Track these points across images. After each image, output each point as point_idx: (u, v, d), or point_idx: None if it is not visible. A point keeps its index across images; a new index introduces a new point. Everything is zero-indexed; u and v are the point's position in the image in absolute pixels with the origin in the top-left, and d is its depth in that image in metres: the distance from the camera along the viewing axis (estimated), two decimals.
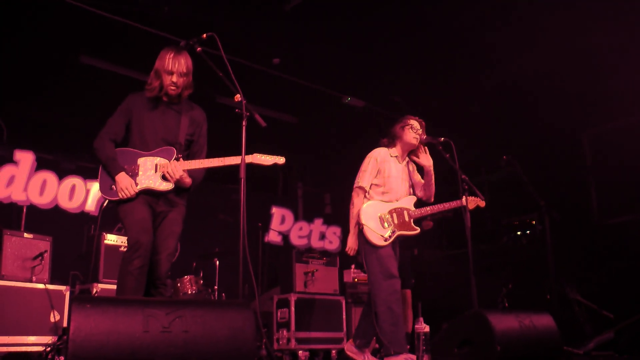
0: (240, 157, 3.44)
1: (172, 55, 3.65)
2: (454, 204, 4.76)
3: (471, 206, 4.77)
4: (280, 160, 3.73)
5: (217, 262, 6.81)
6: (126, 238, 3.75)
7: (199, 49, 3.55)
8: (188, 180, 3.73)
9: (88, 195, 6.81)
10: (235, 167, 3.48)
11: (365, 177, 4.64)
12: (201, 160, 3.72)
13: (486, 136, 8.30)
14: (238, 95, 3.43)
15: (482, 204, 4.94)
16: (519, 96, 7.43)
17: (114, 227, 6.17)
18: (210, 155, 3.79)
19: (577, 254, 7.16)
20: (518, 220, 8.00)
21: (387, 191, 4.64)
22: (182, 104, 3.82)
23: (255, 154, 3.67)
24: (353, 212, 4.61)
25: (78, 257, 6.38)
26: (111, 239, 6.05)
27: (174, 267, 3.88)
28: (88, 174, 6.74)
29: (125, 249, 3.55)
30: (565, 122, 7.55)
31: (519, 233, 7.95)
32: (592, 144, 7.84)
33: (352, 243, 4.60)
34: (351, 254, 4.62)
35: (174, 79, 3.66)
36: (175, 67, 3.64)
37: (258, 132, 3.57)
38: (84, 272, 6.13)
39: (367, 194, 4.64)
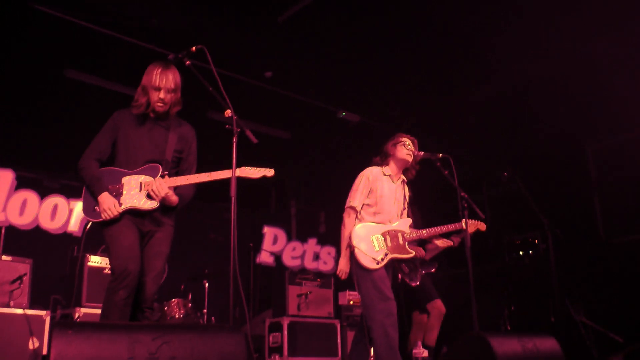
0: (228, 170, 3.46)
1: (159, 70, 3.66)
2: (452, 227, 4.80)
3: (471, 230, 4.81)
4: (269, 172, 3.74)
5: (207, 284, 6.79)
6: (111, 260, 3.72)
7: (188, 62, 3.57)
8: (174, 199, 3.72)
9: (71, 215, 6.78)
10: (227, 185, 3.48)
11: (356, 196, 4.66)
12: (186, 177, 3.72)
13: (486, 150, 8.33)
14: (228, 111, 3.45)
15: (483, 227, 4.97)
16: (520, 107, 7.46)
17: (98, 248, 6.15)
18: (200, 172, 3.79)
19: (582, 273, 7.16)
20: (520, 238, 8.02)
21: (379, 211, 4.66)
22: (171, 120, 3.83)
23: (242, 167, 3.67)
24: (344, 233, 4.62)
25: (60, 280, 6.34)
26: (95, 260, 6.03)
27: (161, 290, 3.86)
28: (72, 193, 6.71)
29: (111, 277, 3.49)
30: (569, 134, 7.57)
31: (521, 252, 7.96)
32: (597, 157, 7.84)
33: (343, 266, 4.60)
34: (342, 277, 4.62)
35: (162, 95, 3.67)
36: (162, 83, 3.65)
37: (250, 149, 3.59)
38: (65, 296, 6.09)
39: (358, 214, 4.67)
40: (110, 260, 3.55)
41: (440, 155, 4.59)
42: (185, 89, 3.80)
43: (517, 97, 7.29)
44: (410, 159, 4.77)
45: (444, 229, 4.82)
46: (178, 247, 3.99)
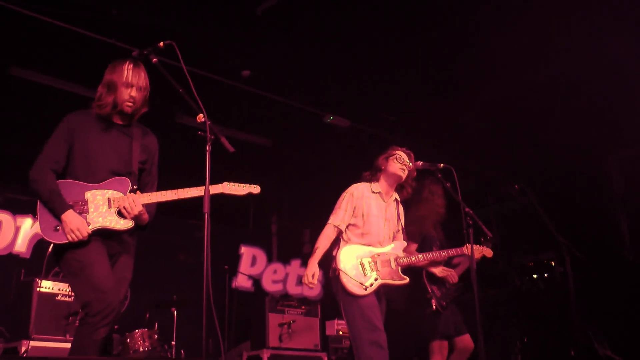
0: (210, 186, 3.48)
1: (130, 66, 3.71)
2: (452, 252, 4.90)
3: (475, 255, 4.89)
4: (255, 189, 3.83)
5: (175, 313, 6.80)
6: (73, 290, 3.66)
7: (154, 59, 3.59)
8: (147, 217, 3.75)
9: (18, 233, 6.76)
10: (198, 199, 3.52)
11: (338, 214, 4.76)
12: (163, 192, 3.74)
13: (493, 160, 8.40)
14: (201, 115, 3.48)
15: (489, 253, 5.07)
16: (533, 112, 7.53)
17: (50, 271, 6.13)
18: (168, 185, 3.82)
19: (606, 300, 7.20)
20: (534, 260, 8.09)
21: (367, 232, 4.74)
22: (133, 126, 3.86)
23: (225, 183, 3.75)
24: (317, 243, 4.69)
25: (3, 308, 6.32)
26: (46, 286, 6.01)
27: (123, 319, 3.89)
28: (19, 208, 6.70)
29: (86, 311, 3.41)
30: (590, 142, 7.65)
31: (535, 276, 8.03)
32: (623, 168, 7.92)
33: (309, 269, 4.60)
34: (304, 281, 4.60)
35: (133, 93, 3.71)
36: (135, 80, 3.70)
37: (226, 158, 3.63)
38: (10, 326, 6.06)
39: (343, 234, 4.74)
40: (79, 289, 3.51)
41: (442, 165, 4.64)
42: (151, 90, 3.83)
43: (528, 100, 7.35)
44: (403, 174, 4.86)
45: (444, 254, 4.90)
46: (142, 270, 4.01)
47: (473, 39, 6.43)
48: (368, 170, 5.00)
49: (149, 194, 3.73)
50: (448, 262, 5.95)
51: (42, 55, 6.46)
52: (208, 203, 3.35)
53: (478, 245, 5.00)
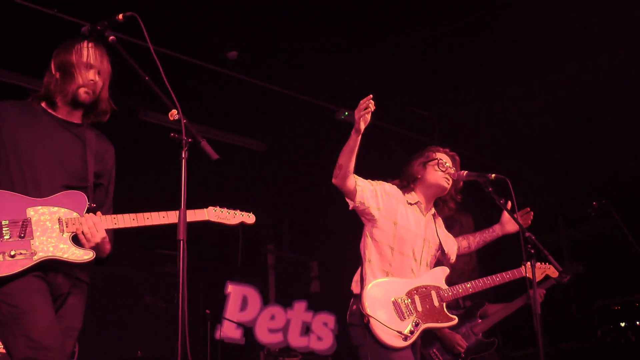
0: (190, 211, 3.48)
1: (91, 45, 3.78)
2: (508, 277, 4.89)
3: (538, 277, 4.89)
4: (250, 218, 3.89)
5: None
6: (3, 344, 3.48)
7: (112, 37, 3.60)
8: (109, 247, 3.75)
9: None
10: (171, 224, 3.53)
11: (365, 184, 4.69)
12: (133, 215, 3.74)
13: (564, 171, 8.38)
14: (174, 111, 3.48)
15: (554, 272, 5.05)
16: (614, 110, 7.55)
17: None
18: (131, 203, 3.83)
19: None
20: (621, 302, 8.06)
21: (398, 251, 4.68)
22: (85, 127, 3.88)
23: (210, 208, 3.78)
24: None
25: None
26: None
27: None
28: None
29: None
30: None
31: (623, 324, 8.00)
32: None
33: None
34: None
35: (92, 76, 3.75)
36: (96, 62, 3.77)
37: (208, 168, 3.64)
38: None
39: (368, 241, 4.70)
40: (11, 345, 3.41)
41: (493, 175, 4.61)
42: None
43: (610, 92, 7.34)
44: (447, 185, 4.84)
45: (498, 279, 4.89)
46: (96, 317, 4.04)
47: (537, 17, 6.44)
48: (393, 180, 4.98)
49: (113, 216, 3.72)
50: (471, 311, 5.94)
51: None
52: (184, 228, 3.30)
53: (541, 263, 5.01)
